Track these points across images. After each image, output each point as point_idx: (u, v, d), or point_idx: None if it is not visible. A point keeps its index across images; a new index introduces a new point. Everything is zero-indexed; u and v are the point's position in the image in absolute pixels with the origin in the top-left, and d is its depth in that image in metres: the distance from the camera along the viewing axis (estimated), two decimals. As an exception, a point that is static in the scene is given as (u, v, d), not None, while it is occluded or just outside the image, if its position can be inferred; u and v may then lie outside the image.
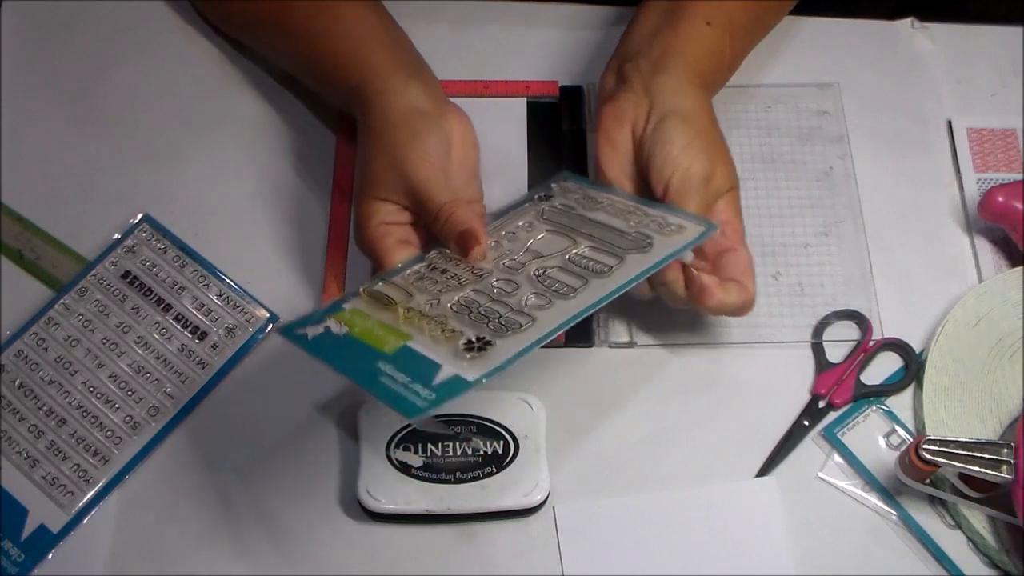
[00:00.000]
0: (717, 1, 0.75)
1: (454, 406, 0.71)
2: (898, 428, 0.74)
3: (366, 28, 0.76)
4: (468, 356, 0.59)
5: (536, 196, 0.73)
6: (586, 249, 0.67)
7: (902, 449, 0.69)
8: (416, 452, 0.70)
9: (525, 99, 0.85)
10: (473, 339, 0.60)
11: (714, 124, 0.72)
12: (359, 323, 0.64)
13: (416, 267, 0.68)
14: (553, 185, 0.74)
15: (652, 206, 0.69)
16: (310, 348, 0.63)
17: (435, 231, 0.68)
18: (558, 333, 0.61)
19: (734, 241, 0.70)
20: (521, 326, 0.61)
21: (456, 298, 0.64)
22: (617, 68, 0.75)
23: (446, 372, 0.58)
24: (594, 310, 0.62)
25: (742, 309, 0.70)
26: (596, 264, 0.65)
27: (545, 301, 0.63)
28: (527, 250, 0.68)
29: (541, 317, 0.61)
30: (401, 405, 0.56)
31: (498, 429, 0.71)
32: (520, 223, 0.71)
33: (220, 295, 0.77)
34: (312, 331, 0.64)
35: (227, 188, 0.81)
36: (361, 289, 0.67)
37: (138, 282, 0.77)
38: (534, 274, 0.66)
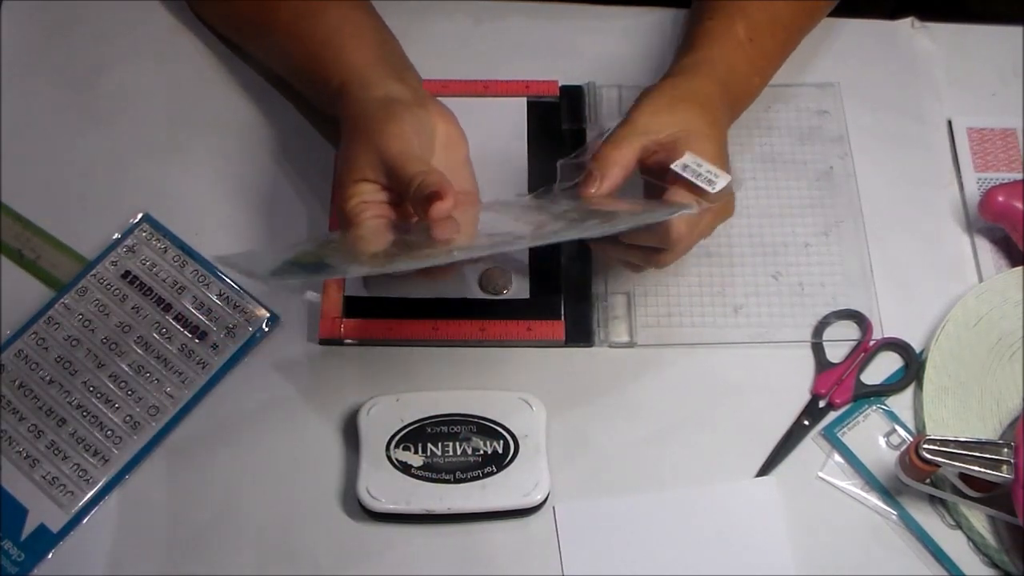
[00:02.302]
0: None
1: (454, 406, 0.72)
2: (898, 428, 0.74)
3: (351, 29, 0.76)
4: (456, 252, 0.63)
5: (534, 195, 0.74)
6: (560, 224, 0.68)
7: (902, 449, 0.70)
8: (416, 452, 0.70)
9: (525, 99, 0.85)
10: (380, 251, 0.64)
11: (696, 88, 0.72)
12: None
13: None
14: (554, 187, 0.75)
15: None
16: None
17: (411, 204, 0.67)
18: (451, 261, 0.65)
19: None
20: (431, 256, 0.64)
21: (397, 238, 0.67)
22: None
23: None
24: (501, 249, 0.66)
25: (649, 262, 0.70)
26: (553, 230, 0.67)
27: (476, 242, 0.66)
28: (503, 230, 0.69)
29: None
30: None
31: (498, 429, 0.71)
32: (512, 212, 0.72)
33: (220, 295, 0.77)
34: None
35: (227, 188, 0.81)
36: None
37: (138, 282, 0.77)
38: (488, 235, 0.67)
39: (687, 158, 0.67)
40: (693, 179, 0.66)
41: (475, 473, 0.70)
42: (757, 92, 0.79)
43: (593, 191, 0.68)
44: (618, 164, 0.68)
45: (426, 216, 0.65)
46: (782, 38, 0.79)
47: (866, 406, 0.75)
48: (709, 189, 0.66)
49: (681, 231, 0.67)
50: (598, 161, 0.68)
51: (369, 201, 0.69)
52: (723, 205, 0.69)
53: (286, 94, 0.84)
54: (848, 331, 0.77)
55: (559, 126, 0.84)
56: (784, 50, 0.80)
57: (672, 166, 0.67)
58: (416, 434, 0.71)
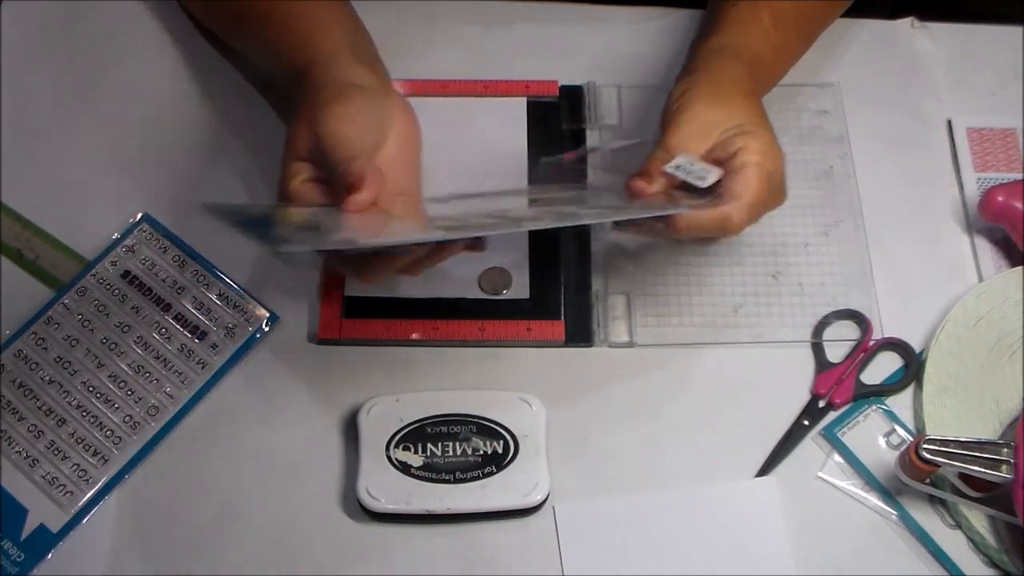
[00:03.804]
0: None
1: (454, 406, 0.72)
2: (898, 428, 0.74)
3: (326, 15, 0.74)
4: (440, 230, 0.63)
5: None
6: (546, 215, 0.69)
7: (902, 449, 0.70)
8: (416, 452, 0.70)
9: (525, 99, 0.85)
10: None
11: (729, 76, 0.72)
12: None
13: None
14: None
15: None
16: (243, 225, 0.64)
17: (337, 188, 0.65)
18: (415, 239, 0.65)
19: (737, 188, 0.68)
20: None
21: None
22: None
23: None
24: (472, 233, 0.66)
25: (719, 227, 0.68)
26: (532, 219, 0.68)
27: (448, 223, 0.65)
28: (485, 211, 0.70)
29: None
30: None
31: (498, 429, 0.71)
32: (508, 198, 0.73)
33: (220, 295, 0.77)
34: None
35: (227, 188, 0.81)
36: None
37: (138, 282, 0.77)
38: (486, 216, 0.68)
39: (680, 158, 0.68)
40: (685, 177, 0.67)
41: (475, 473, 0.70)
42: (775, 83, 0.79)
43: (650, 190, 0.68)
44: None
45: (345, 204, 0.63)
46: (804, 31, 0.80)
47: (866, 406, 0.75)
48: (700, 184, 0.67)
49: (742, 219, 0.67)
50: (658, 161, 0.68)
51: (311, 180, 0.67)
52: (776, 193, 0.70)
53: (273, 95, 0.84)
54: (848, 331, 0.77)
55: (559, 126, 0.84)
56: (805, 44, 0.80)
57: (665, 167, 0.68)
58: (416, 434, 0.71)
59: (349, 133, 0.66)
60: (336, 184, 0.65)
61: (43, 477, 0.72)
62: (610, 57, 0.87)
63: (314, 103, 0.68)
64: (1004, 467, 0.65)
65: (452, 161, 0.81)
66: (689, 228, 0.68)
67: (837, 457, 0.73)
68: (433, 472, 0.70)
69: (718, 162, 0.69)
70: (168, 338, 0.76)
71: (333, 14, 0.75)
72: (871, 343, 0.76)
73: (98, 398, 0.74)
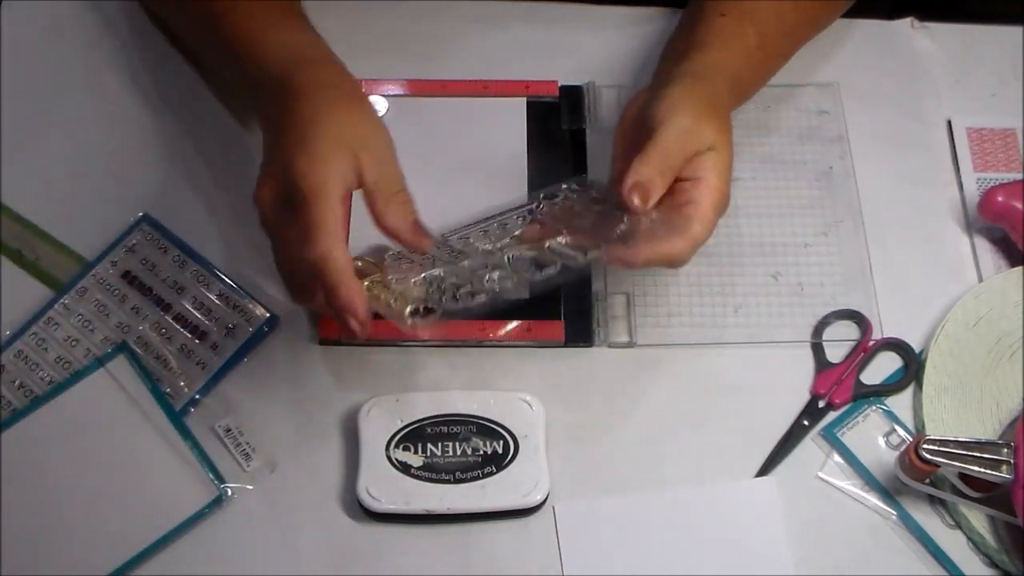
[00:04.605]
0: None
1: (454, 406, 0.72)
2: (898, 428, 0.74)
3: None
4: (410, 321, 0.67)
5: (541, 194, 0.73)
6: (564, 240, 0.69)
7: (902, 449, 0.70)
8: (416, 452, 0.70)
9: (525, 99, 0.85)
10: (420, 308, 0.67)
11: (713, 95, 0.71)
12: None
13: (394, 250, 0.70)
14: (564, 187, 0.74)
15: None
16: None
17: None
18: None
19: (698, 195, 0.68)
20: (472, 297, 0.68)
21: (423, 275, 0.68)
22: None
23: None
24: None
25: (671, 260, 0.68)
26: (567, 253, 0.69)
27: (507, 275, 0.68)
28: (512, 237, 0.70)
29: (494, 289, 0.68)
30: None
31: (498, 429, 0.71)
32: (514, 216, 0.72)
33: (220, 295, 0.77)
34: None
35: (227, 188, 0.81)
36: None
37: (138, 282, 0.77)
38: (508, 259, 0.68)
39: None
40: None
41: (475, 473, 0.70)
42: (747, 100, 0.78)
43: (643, 207, 0.67)
44: (660, 188, 0.67)
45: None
46: (785, 48, 0.79)
47: (866, 406, 0.75)
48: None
49: (693, 247, 0.68)
50: (641, 187, 0.67)
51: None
52: (720, 196, 0.68)
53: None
54: (848, 331, 0.77)
55: (559, 126, 0.84)
56: (782, 61, 0.80)
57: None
58: (416, 434, 0.71)
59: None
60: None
61: (43, 477, 0.72)
62: (610, 57, 0.87)
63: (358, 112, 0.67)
64: (1004, 467, 0.65)
65: (452, 161, 0.81)
66: (648, 262, 0.68)
67: (837, 457, 0.73)
68: (433, 472, 0.70)
69: (683, 179, 0.68)
70: (168, 338, 0.76)
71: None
72: (871, 343, 0.76)
73: (98, 398, 0.74)
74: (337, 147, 0.63)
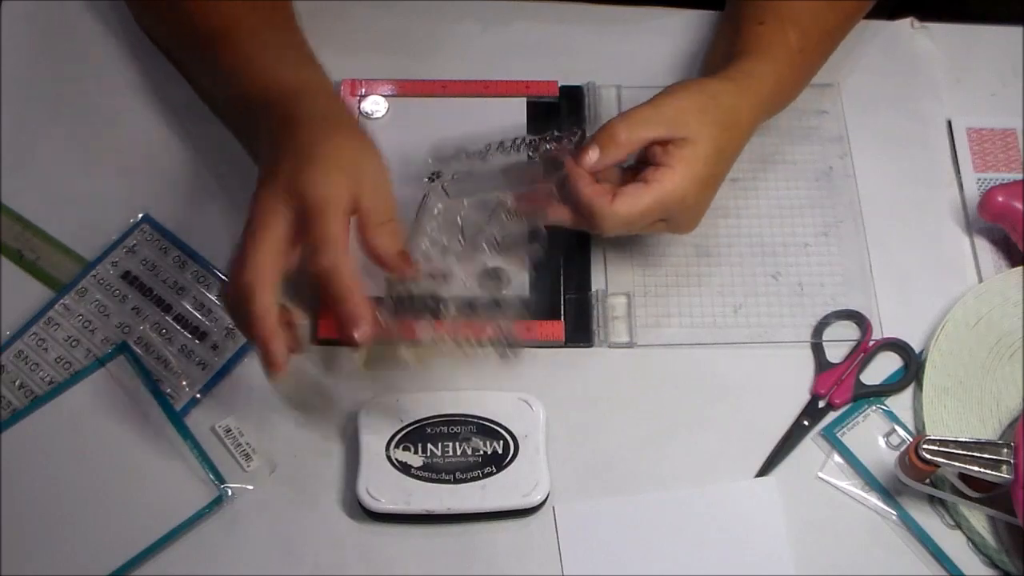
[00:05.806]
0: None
1: (454, 406, 0.72)
2: (898, 428, 0.74)
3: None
4: (503, 359, 0.67)
5: (426, 179, 0.73)
6: (509, 198, 0.69)
7: (902, 449, 0.70)
8: (416, 452, 0.70)
9: (525, 99, 0.85)
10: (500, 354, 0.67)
11: (723, 96, 0.71)
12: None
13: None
14: (430, 160, 0.73)
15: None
16: None
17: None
18: None
19: (652, 178, 0.68)
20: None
21: (451, 312, 0.67)
22: None
23: None
24: None
25: (590, 218, 0.69)
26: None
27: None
28: (464, 227, 0.70)
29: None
30: None
31: (498, 429, 0.71)
32: (435, 212, 0.71)
33: (220, 295, 0.77)
34: None
35: (227, 188, 0.81)
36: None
37: (138, 282, 0.77)
38: (488, 243, 0.69)
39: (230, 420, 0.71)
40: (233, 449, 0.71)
41: (475, 473, 0.70)
42: (785, 106, 0.78)
43: (590, 162, 0.68)
44: (624, 147, 0.68)
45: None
46: (826, 48, 0.79)
47: (866, 406, 0.75)
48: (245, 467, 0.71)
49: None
50: (606, 135, 0.68)
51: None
52: (673, 191, 0.68)
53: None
54: (848, 331, 0.77)
55: (559, 126, 0.83)
56: (823, 61, 0.80)
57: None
58: (416, 434, 0.71)
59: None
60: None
61: (43, 477, 0.72)
62: (610, 57, 0.87)
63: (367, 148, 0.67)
64: (1004, 467, 0.65)
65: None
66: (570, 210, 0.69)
67: (837, 457, 0.73)
68: (433, 472, 0.70)
69: (645, 162, 0.69)
70: (169, 339, 0.76)
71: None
72: (871, 343, 0.76)
73: (98, 398, 0.74)
74: (339, 169, 0.64)
